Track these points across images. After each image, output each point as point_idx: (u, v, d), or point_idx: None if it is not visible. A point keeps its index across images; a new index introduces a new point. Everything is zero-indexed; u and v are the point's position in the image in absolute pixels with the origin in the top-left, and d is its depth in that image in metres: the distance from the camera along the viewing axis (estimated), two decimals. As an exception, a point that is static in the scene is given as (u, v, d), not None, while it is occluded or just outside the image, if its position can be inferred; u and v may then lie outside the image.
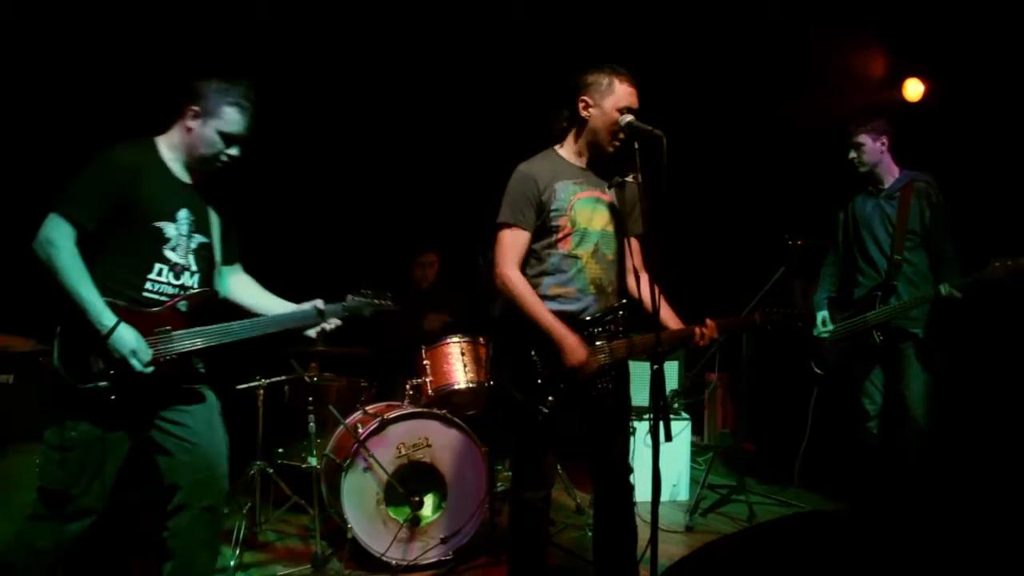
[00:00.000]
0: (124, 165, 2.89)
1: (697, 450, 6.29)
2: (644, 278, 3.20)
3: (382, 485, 4.06)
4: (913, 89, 5.56)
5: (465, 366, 4.41)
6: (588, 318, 3.16)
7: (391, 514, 4.08)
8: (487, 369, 4.43)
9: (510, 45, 5.30)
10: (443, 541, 4.12)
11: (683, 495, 5.33)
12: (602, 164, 3.28)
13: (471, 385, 4.39)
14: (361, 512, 4.02)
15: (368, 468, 4.05)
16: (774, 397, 6.15)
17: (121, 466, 3.05)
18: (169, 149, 3.01)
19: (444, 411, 4.21)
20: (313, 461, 4.17)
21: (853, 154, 4.36)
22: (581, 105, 3.20)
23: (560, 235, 3.15)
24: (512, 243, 3.16)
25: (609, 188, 3.25)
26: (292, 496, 4.54)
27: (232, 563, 3.96)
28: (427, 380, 4.42)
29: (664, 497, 4.41)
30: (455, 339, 4.48)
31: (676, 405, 5.45)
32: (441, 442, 4.17)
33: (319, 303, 3.17)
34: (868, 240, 4.40)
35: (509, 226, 3.17)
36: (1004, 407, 4.78)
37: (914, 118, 5.22)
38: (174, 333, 2.93)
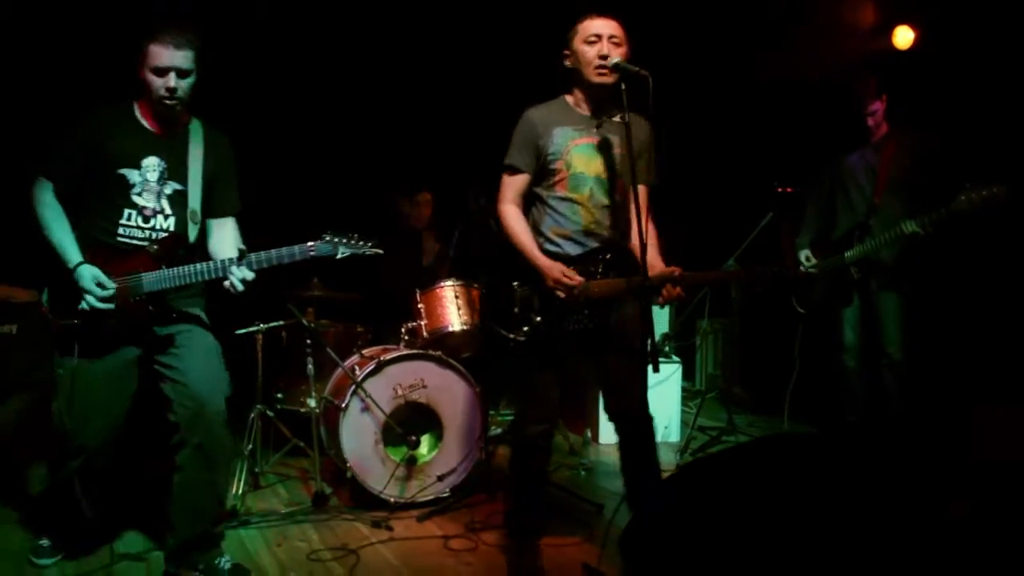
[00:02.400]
0: (92, 123, 3.17)
1: (688, 395, 6.41)
2: (639, 224, 3.26)
3: (380, 425, 4.17)
4: (903, 36, 5.59)
5: (459, 308, 4.50)
6: (573, 258, 3.24)
7: (389, 454, 4.19)
8: (480, 311, 4.55)
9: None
10: (440, 479, 4.23)
11: (674, 437, 5.46)
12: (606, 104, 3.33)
13: (465, 327, 4.49)
14: (359, 452, 4.13)
15: (366, 409, 4.15)
16: (759, 340, 6.27)
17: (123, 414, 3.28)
18: (139, 107, 3.23)
19: (439, 352, 4.31)
20: (312, 403, 4.26)
21: (870, 121, 4.58)
22: (564, 61, 3.32)
23: (556, 178, 3.28)
24: (510, 183, 3.34)
25: (597, 128, 3.32)
26: (292, 439, 4.66)
27: (235, 503, 4.06)
28: (422, 323, 4.51)
29: (656, 439, 4.53)
30: (449, 283, 4.57)
31: (667, 348, 5.55)
32: (436, 383, 4.27)
33: (241, 246, 3.20)
34: (851, 187, 4.65)
35: (509, 167, 3.34)
36: (976, 341, 4.91)
37: (904, 66, 5.28)
38: (143, 274, 3.14)
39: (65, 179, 3.15)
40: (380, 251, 3.31)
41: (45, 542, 3.46)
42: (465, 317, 4.50)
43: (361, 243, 3.27)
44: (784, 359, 5.23)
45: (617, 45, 3.21)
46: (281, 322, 4.53)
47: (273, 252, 3.16)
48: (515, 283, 3.24)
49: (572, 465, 4.88)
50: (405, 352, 4.29)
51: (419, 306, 4.55)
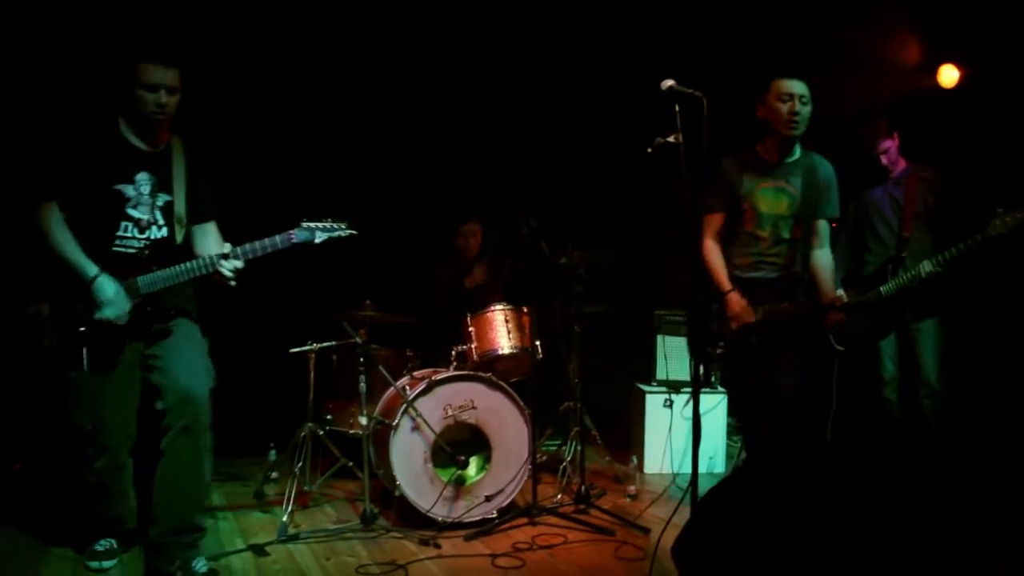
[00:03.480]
0: (83, 141, 3.38)
1: (732, 430, 6.36)
2: (817, 254, 3.83)
3: (429, 445, 4.21)
4: (948, 75, 5.62)
5: (509, 332, 4.57)
6: (755, 283, 3.75)
7: (437, 474, 4.23)
8: (531, 336, 4.63)
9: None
10: (488, 499, 4.26)
11: (719, 467, 5.44)
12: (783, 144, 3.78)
13: (515, 350, 4.56)
14: (409, 470, 4.17)
15: (416, 428, 4.20)
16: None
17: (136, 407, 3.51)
18: (125, 122, 3.44)
19: (489, 374, 4.37)
20: (364, 420, 4.31)
21: (884, 160, 4.75)
22: (758, 114, 3.78)
23: (745, 216, 3.78)
24: (709, 223, 3.87)
25: (650, 150, 3.42)
26: (341, 459, 4.72)
27: (284, 519, 4.11)
28: (472, 346, 4.59)
29: (701, 469, 4.51)
30: (499, 307, 4.65)
31: (713, 379, 5.53)
32: (486, 404, 4.32)
33: (226, 246, 3.42)
34: (878, 221, 4.76)
35: (708, 209, 3.85)
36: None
37: (949, 105, 5.31)
38: (138, 278, 3.37)
39: (66, 198, 3.34)
40: (355, 232, 3.53)
41: (101, 545, 3.58)
42: (515, 340, 4.57)
43: (335, 226, 3.51)
44: (822, 395, 5.20)
45: (805, 104, 3.68)
46: (333, 342, 4.61)
47: (258, 243, 3.40)
48: (715, 306, 3.76)
49: (621, 491, 4.91)
50: (456, 373, 4.36)
51: (469, 329, 4.62)
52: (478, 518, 4.23)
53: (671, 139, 3.42)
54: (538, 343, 4.67)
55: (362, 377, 4.29)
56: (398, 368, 4.82)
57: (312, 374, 4.58)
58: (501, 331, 4.57)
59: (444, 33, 5.25)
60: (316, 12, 4.90)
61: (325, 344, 4.60)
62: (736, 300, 3.73)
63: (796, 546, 2.51)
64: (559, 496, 4.66)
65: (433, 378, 4.28)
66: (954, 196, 4.61)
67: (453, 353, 4.62)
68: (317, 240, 3.48)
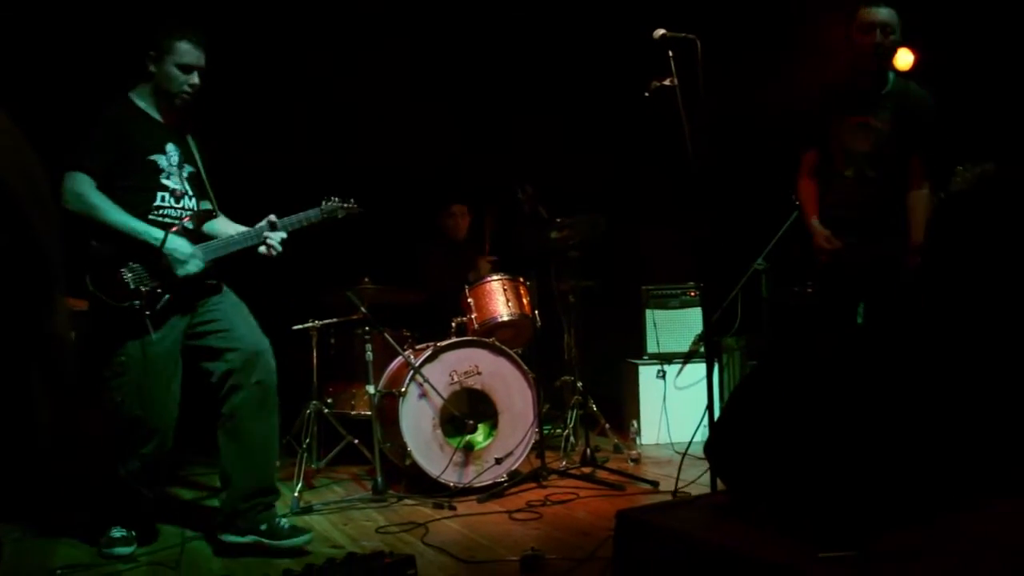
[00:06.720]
0: (115, 115, 3.35)
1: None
2: (911, 195, 3.69)
3: (437, 411, 4.25)
4: (903, 59, 5.88)
5: (508, 301, 4.65)
6: (842, 221, 3.72)
7: (447, 441, 4.27)
8: (531, 305, 4.73)
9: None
10: (498, 462, 4.30)
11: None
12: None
13: (514, 317, 4.64)
14: (419, 437, 4.21)
15: (424, 395, 4.25)
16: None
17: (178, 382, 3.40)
18: (140, 98, 3.41)
19: (492, 339, 4.44)
20: (371, 389, 4.34)
21: None
22: (847, 45, 3.69)
23: (833, 154, 3.78)
24: (804, 160, 3.91)
25: (647, 94, 3.57)
26: (347, 436, 4.74)
27: (295, 494, 4.09)
28: (472, 316, 4.65)
29: (696, 436, 4.55)
30: (496, 277, 4.73)
31: (701, 350, 5.62)
32: (491, 369, 4.38)
33: (272, 217, 3.46)
34: None
35: (804, 148, 3.88)
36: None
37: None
38: (197, 247, 3.35)
39: (102, 170, 3.24)
40: (362, 210, 3.70)
41: (117, 532, 3.39)
42: (514, 308, 4.64)
43: (345, 205, 3.64)
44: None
45: (890, 34, 3.57)
46: (335, 319, 4.65)
47: (297, 216, 3.49)
48: (797, 247, 3.97)
49: (623, 458, 4.95)
50: (460, 339, 4.42)
51: (468, 300, 4.69)
52: (488, 482, 4.27)
53: (667, 82, 3.59)
54: (537, 312, 4.76)
55: (368, 346, 4.34)
56: (394, 350, 4.84)
57: (315, 351, 4.59)
58: (500, 299, 4.64)
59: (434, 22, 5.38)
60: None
61: (328, 320, 4.63)
62: (819, 229, 3.73)
63: (822, 430, 2.58)
64: (564, 463, 4.70)
65: (438, 344, 4.34)
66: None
67: (453, 324, 4.67)
68: (339, 216, 3.62)
